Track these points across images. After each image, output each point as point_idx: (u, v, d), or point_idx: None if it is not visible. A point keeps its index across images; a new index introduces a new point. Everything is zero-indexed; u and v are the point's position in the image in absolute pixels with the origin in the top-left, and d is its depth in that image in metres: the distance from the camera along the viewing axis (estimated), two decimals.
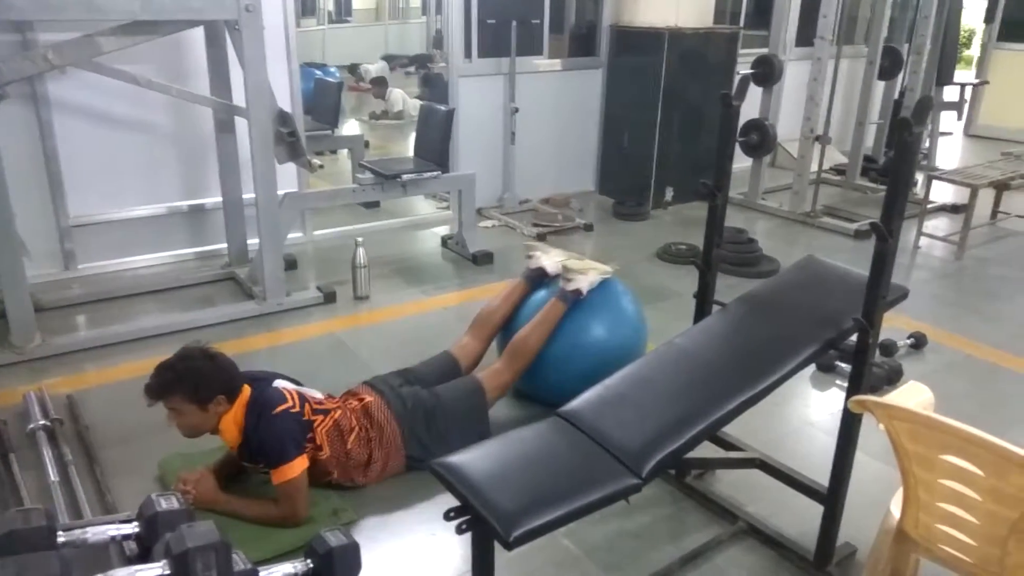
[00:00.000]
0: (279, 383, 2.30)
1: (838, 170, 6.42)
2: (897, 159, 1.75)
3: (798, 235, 5.20)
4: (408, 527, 2.29)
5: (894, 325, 3.59)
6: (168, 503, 1.39)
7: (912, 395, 1.93)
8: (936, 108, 6.60)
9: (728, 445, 2.39)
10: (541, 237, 4.84)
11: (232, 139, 3.88)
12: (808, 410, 3.04)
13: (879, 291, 1.84)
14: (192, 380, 2.12)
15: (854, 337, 1.92)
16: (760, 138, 5.47)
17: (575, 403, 1.94)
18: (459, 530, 1.59)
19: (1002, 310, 4.07)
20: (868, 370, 1.90)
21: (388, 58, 11.02)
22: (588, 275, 2.82)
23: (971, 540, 1.60)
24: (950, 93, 6.82)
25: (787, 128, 6.18)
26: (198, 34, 3.76)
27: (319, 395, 2.44)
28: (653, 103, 5.35)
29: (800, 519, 2.25)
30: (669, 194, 5.62)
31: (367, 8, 13.56)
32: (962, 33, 11.56)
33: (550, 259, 2.94)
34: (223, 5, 3.25)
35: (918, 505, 1.68)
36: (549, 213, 5.21)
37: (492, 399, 2.67)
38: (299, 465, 2.17)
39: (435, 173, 4.18)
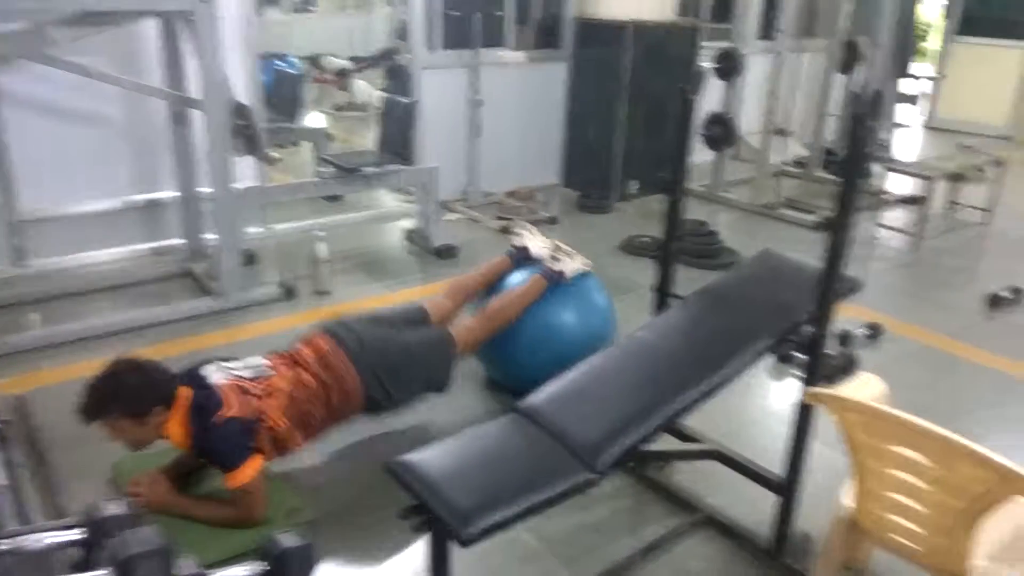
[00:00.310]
0: (215, 377, 2.22)
1: (799, 162, 6.50)
2: (850, 152, 1.77)
3: (759, 227, 5.25)
4: (367, 525, 2.27)
5: (852, 316, 3.64)
6: (115, 507, 1.35)
7: (864, 386, 1.96)
8: (893, 101, 6.71)
9: (687, 437, 2.41)
10: (506, 230, 4.82)
11: (188, 132, 3.80)
12: (767, 400, 3.08)
13: (831, 284, 1.86)
14: (123, 397, 2.06)
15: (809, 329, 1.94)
16: (722, 131, 5.51)
17: (533, 398, 1.94)
18: (414, 529, 1.58)
19: (957, 300, 4.15)
20: (822, 362, 1.93)
21: (354, 59, 10.85)
22: (574, 260, 2.85)
23: (920, 529, 1.63)
24: (910, 87, 6.95)
25: (750, 121, 6.24)
26: (153, 25, 3.67)
27: (261, 362, 2.33)
28: (617, 96, 5.36)
29: (758, 509, 2.27)
30: (633, 187, 5.64)
31: None
32: (921, 27, 11.77)
33: (535, 241, 2.95)
34: None
35: (869, 495, 1.71)
36: (514, 206, 5.20)
37: (459, 353, 2.65)
38: (250, 468, 2.12)
39: (397, 167, 4.14)
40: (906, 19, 6.13)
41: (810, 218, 5.22)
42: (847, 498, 1.79)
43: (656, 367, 2.00)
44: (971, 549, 1.55)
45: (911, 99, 7.02)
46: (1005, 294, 4.03)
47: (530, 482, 1.64)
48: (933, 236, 5.08)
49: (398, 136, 4.29)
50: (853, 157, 1.74)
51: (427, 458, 1.70)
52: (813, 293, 1.90)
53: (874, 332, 3.55)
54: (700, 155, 6.13)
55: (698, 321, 2.15)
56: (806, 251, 1.86)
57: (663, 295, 2.38)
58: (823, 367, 3.06)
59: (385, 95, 5.51)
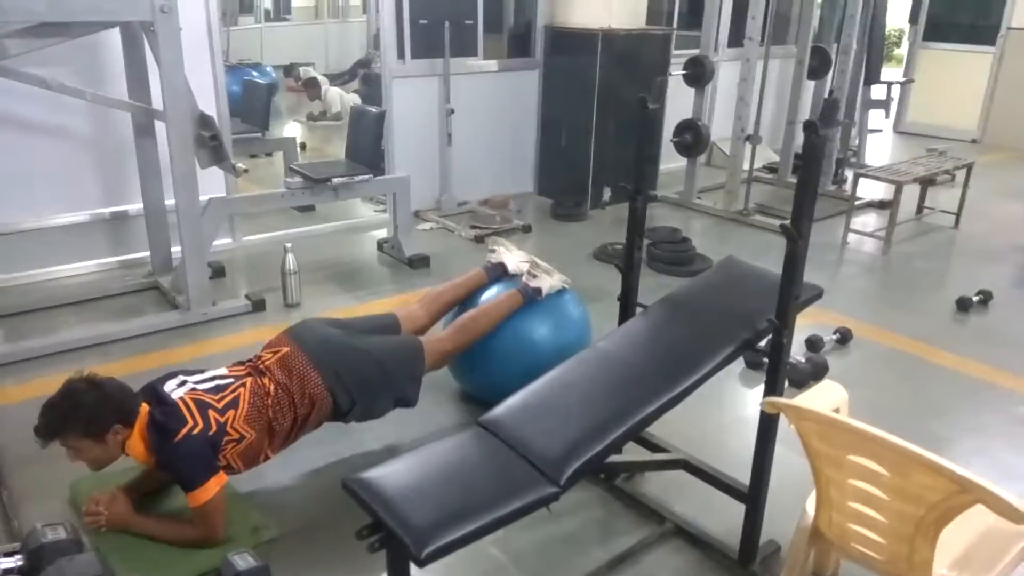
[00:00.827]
0: (176, 392, 2.18)
1: (771, 168, 6.55)
2: (804, 161, 1.77)
3: (731, 233, 5.28)
4: (332, 544, 2.24)
5: (821, 321, 3.67)
6: (54, 534, 1.32)
7: (825, 394, 1.96)
8: (864, 106, 6.78)
9: (655, 446, 2.40)
10: (479, 239, 4.81)
11: (152, 143, 3.75)
12: (736, 407, 3.08)
13: (792, 291, 1.86)
14: (81, 416, 2.01)
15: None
16: (694, 138, 5.54)
17: (496, 411, 1.92)
18: (371, 548, 1.56)
19: (926, 303, 4.19)
20: (783, 370, 1.93)
21: (329, 76, 10.80)
22: (552, 277, 2.83)
23: (881, 538, 1.62)
24: (880, 92, 7.03)
25: (722, 128, 6.28)
26: (115, 35, 3.62)
27: (223, 373, 2.30)
28: (589, 103, 5.37)
29: (726, 518, 2.26)
30: (607, 194, 5.65)
31: (307, 6, 13.32)
32: (891, 32, 11.94)
33: (512, 257, 2.93)
34: (136, 6, 3.12)
35: (830, 504, 1.70)
36: (487, 215, 5.19)
37: (429, 365, 2.61)
38: (212, 486, 2.08)
39: (367, 176, 4.11)
40: (876, 26, 6.19)
41: (780, 223, 5.26)
42: (810, 507, 1.79)
43: (619, 378, 1.99)
44: (931, 558, 1.55)
45: (882, 104, 7.08)
46: (973, 297, 4.07)
47: (490, 498, 1.62)
48: (903, 240, 5.13)
49: (368, 146, 4.26)
50: (806, 164, 1.74)
51: (385, 475, 1.68)
52: (775, 301, 1.90)
53: (843, 337, 3.57)
54: (673, 162, 6.19)
55: (661, 330, 2.15)
56: (776, 256, 1.85)
57: (627, 304, 2.38)
58: (792, 373, 3.10)
59: (355, 105, 5.49)
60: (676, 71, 5.66)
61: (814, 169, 1.76)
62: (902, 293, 4.37)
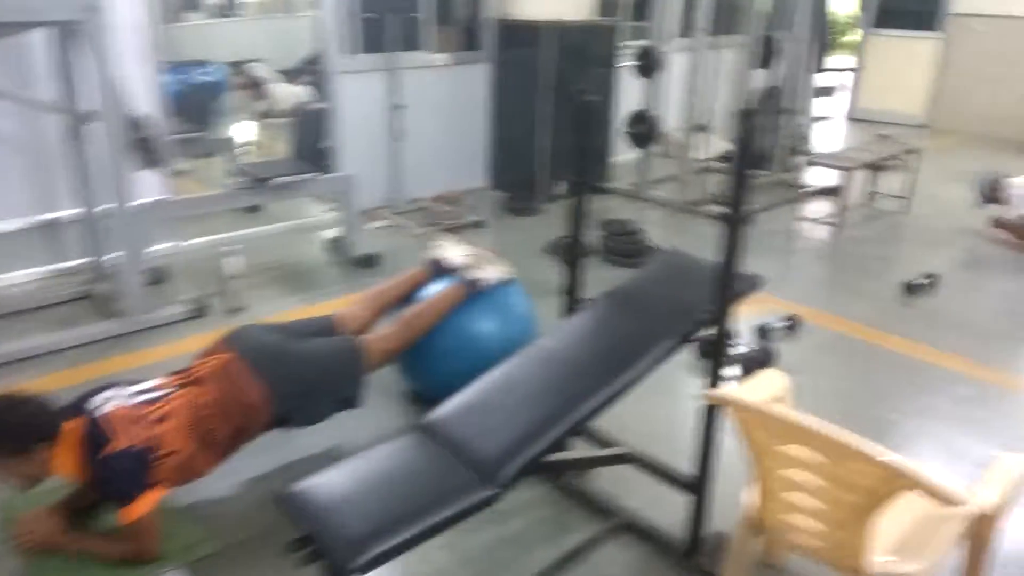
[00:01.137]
0: (106, 406, 2.09)
1: (724, 158, 6.57)
2: (737, 147, 1.75)
3: (684, 224, 5.28)
4: (271, 557, 2.16)
5: (771, 308, 3.68)
6: None
7: (766, 383, 1.95)
8: (809, 94, 6.84)
9: (603, 441, 2.38)
10: (431, 236, 4.75)
11: (85, 147, 3.62)
12: (688, 398, 3.07)
13: (728, 282, 1.85)
14: (1, 436, 1.94)
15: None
16: (646, 129, 5.53)
17: (435, 414, 1.87)
18: (301, 563, 1.51)
19: (875, 288, 4.23)
20: (722, 361, 1.91)
21: (283, 72, 10.60)
22: (495, 268, 2.79)
23: (819, 526, 1.62)
24: (829, 80, 7.10)
25: (674, 118, 6.28)
26: (44, 35, 3.48)
27: (157, 384, 2.21)
28: (539, 97, 5.33)
29: (676, 510, 2.24)
30: (559, 188, 5.62)
31: (256, 1, 13.06)
32: (838, 20, 12.09)
33: (453, 250, 2.88)
34: (63, 5, 3.00)
35: (769, 493, 1.69)
36: (440, 211, 5.13)
37: (372, 364, 2.55)
38: (144, 502, 2.01)
39: (312, 175, 4.02)
40: (819, 14, 6.25)
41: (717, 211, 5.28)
42: (750, 497, 1.78)
43: (559, 374, 1.96)
44: (869, 544, 1.55)
45: (828, 92, 7.16)
46: (920, 281, 4.12)
47: (425, 504, 1.58)
48: (853, 226, 5.19)
49: (313, 144, 4.17)
50: (740, 152, 1.73)
51: (317, 486, 1.62)
52: (715, 292, 1.88)
53: (793, 324, 3.58)
54: (626, 153, 6.18)
55: (602, 325, 2.12)
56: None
57: (571, 299, 2.34)
58: (742, 361, 3.11)
59: (299, 102, 5.39)
60: (626, 62, 5.64)
61: (746, 156, 1.74)
62: (852, 278, 4.42)
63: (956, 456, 2.68)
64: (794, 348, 3.43)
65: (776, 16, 6.35)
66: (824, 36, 6.49)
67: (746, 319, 3.51)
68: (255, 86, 8.53)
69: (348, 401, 2.48)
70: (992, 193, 5.03)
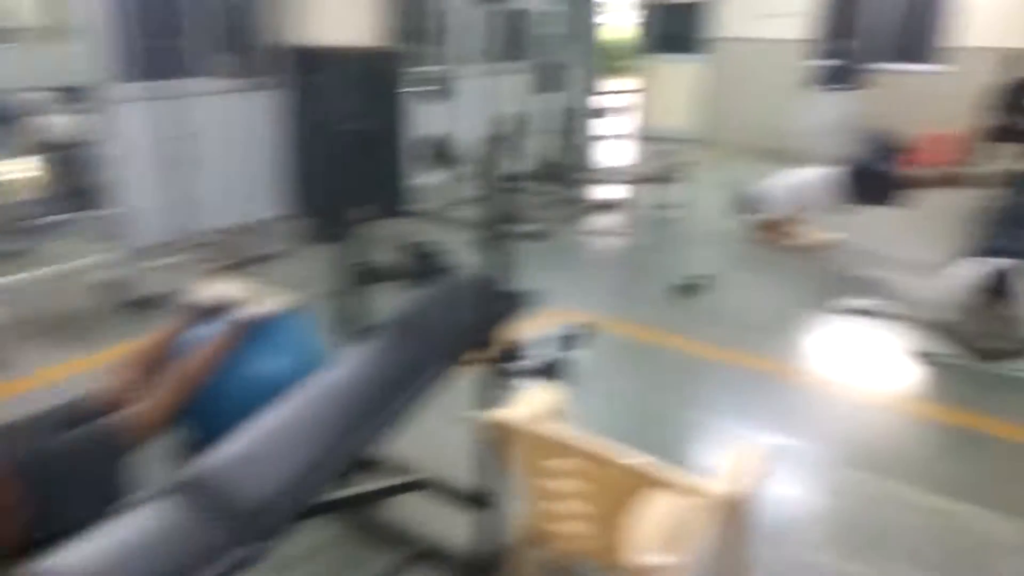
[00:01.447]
0: None
1: (520, 177, 6.81)
2: (483, 170, 1.81)
3: (484, 244, 5.38)
4: None
5: (565, 319, 3.83)
6: None
7: (536, 399, 2.01)
8: (586, 116, 7.27)
9: (394, 470, 2.35)
10: (224, 269, 4.51)
11: None
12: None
13: (500, 299, 1.89)
14: None
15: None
16: (442, 151, 5.62)
17: (191, 468, 1.75)
18: None
19: (660, 292, 4.52)
20: (499, 379, 1.95)
21: (53, 101, 9.69)
22: (263, 304, 2.62)
23: (588, 529, 1.69)
24: (612, 101, 7.58)
25: (472, 141, 6.42)
26: None
27: None
28: (333, 121, 5.23)
29: (467, 529, 2.26)
30: (361, 213, 5.54)
31: (20, 28, 11.85)
32: (623, 46, 12.98)
33: (224, 290, 2.69)
34: None
35: (540, 506, 1.74)
36: (233, 244, 4.89)
37: (141, 439, 2.31)
38: None
39: (77, 214, 3.69)
40: (590, 42, 6.68)
41: (527, 229, 5.47)
42: (524, 509, 1.82)
43: (333, 408, 1.91)
44: (631, 543, 1.63)
45: (600, 114, 7.61)
46: (698, 282, 4.48)
47: (177, 572, 1.46)
48: (638, 235, 5.55)
49: (78, 180, 3.83)
50: (485, 173, 1.78)
51: (62, 565, 1.46)
52: (494, 311, 1.92)
53: (586, 333, 3.74)
54: (430, 176, 6.24)
55: (380, 352, 2.09)
56: (534, 264, 1.88)
57: (358, 326, 2.31)
58: (531, 375, 3.19)
59: (67, 134, 4.94)
60: (418, 87, 5.70)
61: (492, 176, 1.80)
62: (639, 285, 4.71)
63: (726, 438, 2.92)
64: (586, 356, 3.58)
65: (555, 44, 6.72)
66: (591, 62, 6.94)
67: (539, 331, 3.63)
68: (15, 118, 7.71)
69: (116, 493, 2.24)
70: (748, 206, 5.55)
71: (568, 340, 3.64)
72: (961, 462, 2.89)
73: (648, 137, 9.67)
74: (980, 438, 3.04)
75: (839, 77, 7.68)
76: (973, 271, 3.60)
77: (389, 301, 2.40)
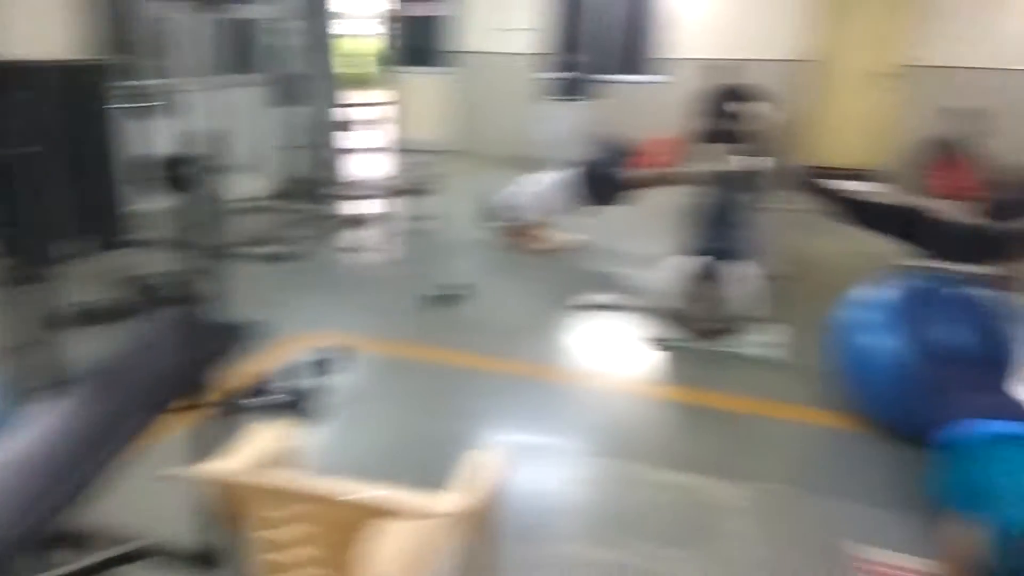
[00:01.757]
0: None
1: (263, 196, 6.46)
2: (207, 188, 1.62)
3: (226, 270, 5.01)
4: None
5: (318, 344, 3.64)
6: None
7: (262, 442, 1.85)
8: (332, 129, 7.09)
9: (105, 541, 2.05)
10: None
11: None
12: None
13: (213, 338, 1.71)
14: None
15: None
16: (185, 172, 5.13)
17: None
18: None
19: (417, 307, 4.44)
20: (226, 423, 1.77)
21: None
22: None
23: (321, 571, 1.57)
24: (359, 114, 7.42)
25: (213, 159, 5.96)
26: None
27: None
28: (31, 145, 4.58)
29: None
30: (70, 247, 4.90)
31: None
32: (369, 58, 12.89)
33: None
34: None
35: (269, 558, 1.60)
36: None
37: None
38: None
39: None
40: (326, 53, 6.53)
41: (273, 251, 5.18)
42: (251, 563, 1.66)
43: (13, 479, 1.61)
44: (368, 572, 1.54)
45: (343, 127, 7.42)
46: (453, 292, 4.50)
47: None
48: (393, 249, 5.47)
49: None
50: (210, 195, 1.60)
51: None
52: (212, 348, 1.73)
53: (339, 357, 3.58)
54: (153, 201, 5.67)
55: (70, 409, 1.81)
56: (266, 286, 1.68)
57: (42, 381, 1.98)
58: (278, 409, 2.99)
59: None
60: (126, 103, 5.17)
61: (192, 196, 1.62)
62: (397, 300, 4.61)
63: (510, 451, 2.93)
64: (346, 380, 3.42)
65: (291, 55, 6.47)
66: (332, 74, 6.81)
67: (288, 360, 3.42)
68: None
69: None
70: (495, 214, 5.70)
71: (322, 366, 3.46)
72: (696, 438, 3.15)
73: (401, 149, 9.65)
74: (708, 413, 3.33)
75: (570, 89, 8.20)
76: (687, 262, 3.98)
77: (96, 347, 2.10)
